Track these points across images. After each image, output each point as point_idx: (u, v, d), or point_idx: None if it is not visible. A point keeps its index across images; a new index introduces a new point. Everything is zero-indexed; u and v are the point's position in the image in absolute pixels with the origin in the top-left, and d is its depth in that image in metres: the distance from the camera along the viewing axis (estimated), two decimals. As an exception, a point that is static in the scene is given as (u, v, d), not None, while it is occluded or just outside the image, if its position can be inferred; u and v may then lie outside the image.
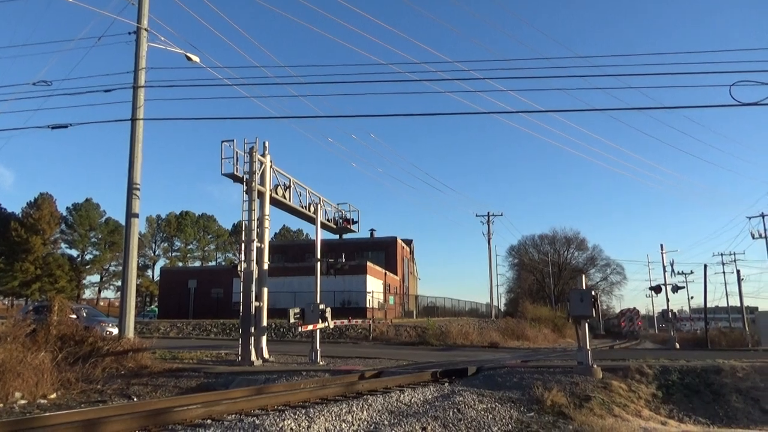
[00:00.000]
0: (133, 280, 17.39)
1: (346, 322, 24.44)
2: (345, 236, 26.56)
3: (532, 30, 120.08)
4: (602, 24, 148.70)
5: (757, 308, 57.62)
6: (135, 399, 11.60)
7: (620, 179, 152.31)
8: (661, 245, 44.66)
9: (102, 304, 72.60)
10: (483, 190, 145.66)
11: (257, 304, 17.28)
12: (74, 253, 78.57)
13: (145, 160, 18.64)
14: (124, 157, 17.86)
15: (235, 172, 17.37)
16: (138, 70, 18.12)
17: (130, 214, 17.50)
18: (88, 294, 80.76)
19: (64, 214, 77.87)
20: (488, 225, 55.46)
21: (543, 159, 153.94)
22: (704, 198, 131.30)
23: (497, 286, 68.38)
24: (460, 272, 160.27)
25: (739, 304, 42.52)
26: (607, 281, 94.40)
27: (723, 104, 22.75)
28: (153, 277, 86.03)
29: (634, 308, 70.22)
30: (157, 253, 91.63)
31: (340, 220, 23.83)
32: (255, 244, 17.47)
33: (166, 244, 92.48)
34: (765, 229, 47.74)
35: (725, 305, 66.78)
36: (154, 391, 12.68)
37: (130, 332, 16.88)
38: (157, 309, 54.50)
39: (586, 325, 13.28)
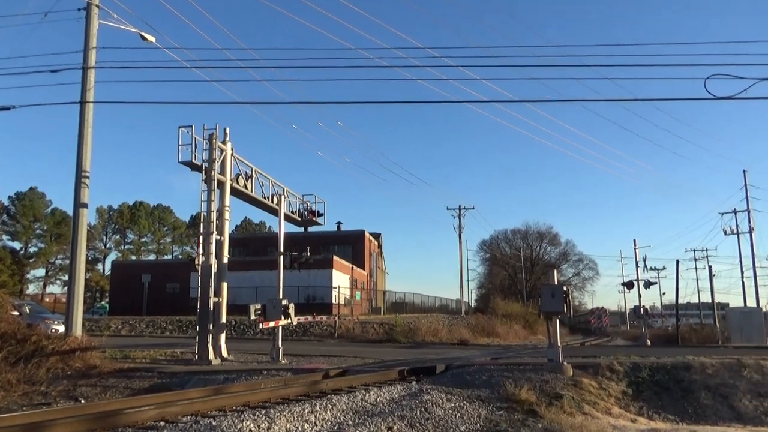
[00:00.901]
0: (81, 274, 17.03)
1: (310, 318, 24.44)
2: (310, 229, 26.50)
3: (506, 17, 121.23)
4: (578, 13, 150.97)
5: (728, 304, 59.72)
6: (82, 401, 11.39)
7: (594, 173, 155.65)
8: (634, 240, 45.98)
9: (47, 300, 70.67)
10: (455, 183, 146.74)
11: (216, 299, 17.16)
12: (17, 245, 76.46)
13: (96, 147, 18.25)
14: (72, 143, 17.44)
15: (193, 160, 17.14)
16: (88, 50, 17.64)
17: (78, 204, 17.10)
18: (32, 289, 78.64)
19: (6, 203, 75.61)
20: (459, 218, 55.96)
21: (516, 150, 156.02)
22: (678, 193, 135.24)
23: (468, 281, 69.47)
24: (430, 267, 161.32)
25: (710, 300, 43.94)
26: (579, 277, 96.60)
27: (698, 97, 23.34)
28: (104, 271, 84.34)
29: (602, 307, 78.05)
30: (108, 245, 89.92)
31: (305, 212, 23.77)
32: (214, 237, 17.32)
33: (118, 237, 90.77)
34: (737, 226, 49.52)
35: (697, 301, 69.20)
36: (104, 392, 12.47)
37: (78, 330, 16.55)
38: (107, 305, 53.56)
39: (558, 321, 13.56)
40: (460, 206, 56.29)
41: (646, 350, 22.05)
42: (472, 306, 72.26)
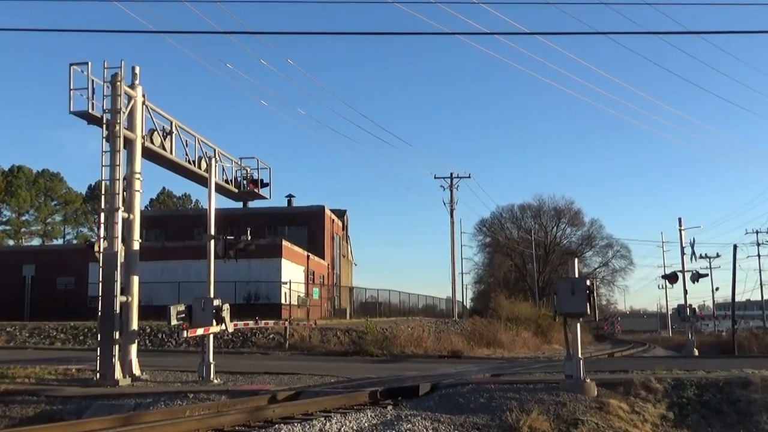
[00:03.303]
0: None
1: (251, 324, 24.50)
2: (251, 204, 26.47)
3: None
4: None
5: (799, 302, 61.31)
6: (-57, 435, 11.31)
7: (629, 132, 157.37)
8: (680, 219, 46.41)
9: None
10: (445, 144, 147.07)
11: (124, 299, 17.16)
12: None
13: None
14: None
15: (91, 110, 17.05)
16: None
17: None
18: None
19: None
20: (451, 191, 56.24)
21: (526, 102, 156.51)
22: (737, 158, 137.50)
23: (462, 274, 69.74)
24: (412, 256, 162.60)
25: (776, 298, 45.04)
26: (608, 267, 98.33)
27: (765, 30, 23.64)
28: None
29: (616, 314, 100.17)
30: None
31: (244, 182, 23.67)
32: (120, 214, 17.22)
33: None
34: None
35: (759, 298, 70.70)
36: (-27, 423, 12.41)
37: (-65, 340, 16.41)
38: (-24, 307, 52.94)
39: (579, 326, 13.77)
40: (452, 174, 56.58)
41: (693, 362, 22.62)
42: (468, 307, 73.12)
